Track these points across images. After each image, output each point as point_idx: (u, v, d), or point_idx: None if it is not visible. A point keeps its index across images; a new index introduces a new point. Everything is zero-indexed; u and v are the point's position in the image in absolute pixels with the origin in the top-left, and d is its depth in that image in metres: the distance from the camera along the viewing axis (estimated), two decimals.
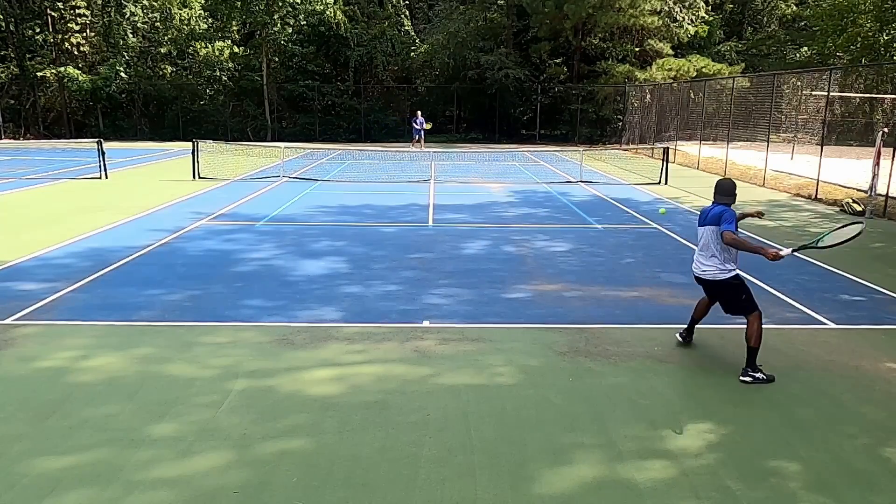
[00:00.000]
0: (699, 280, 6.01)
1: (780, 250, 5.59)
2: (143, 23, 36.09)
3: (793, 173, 19.28)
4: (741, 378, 5.56)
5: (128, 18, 35.30)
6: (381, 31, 37.69)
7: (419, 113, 30.67)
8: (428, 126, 30.01)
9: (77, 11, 35.05)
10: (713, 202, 5.92)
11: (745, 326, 5.65)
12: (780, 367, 5.80)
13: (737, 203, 6.03)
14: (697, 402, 5.19)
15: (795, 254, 5.67)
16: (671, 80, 31.35)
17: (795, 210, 14.61)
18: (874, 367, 5.89)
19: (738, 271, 5.83)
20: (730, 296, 5.80)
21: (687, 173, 21.72)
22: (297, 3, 35.75)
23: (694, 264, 6.02)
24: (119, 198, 15.27)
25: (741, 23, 45.23)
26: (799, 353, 6.19)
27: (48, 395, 5.16)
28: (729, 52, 38.59)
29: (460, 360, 5.92)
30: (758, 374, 5.57)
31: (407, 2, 42.66)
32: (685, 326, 6.41)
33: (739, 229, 5.86)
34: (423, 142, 29.95)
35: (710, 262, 5.80)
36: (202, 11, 36.96)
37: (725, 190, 5.89)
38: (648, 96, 31.27)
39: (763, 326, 5.62)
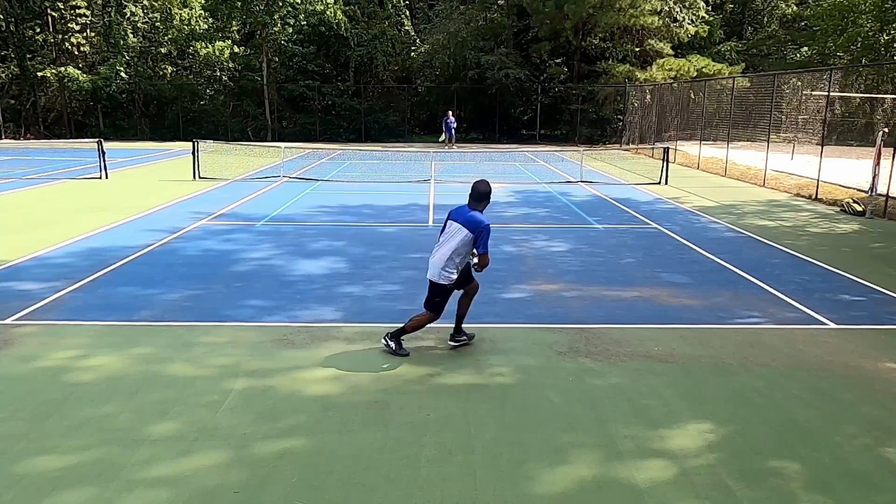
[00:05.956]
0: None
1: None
2: (143, 23, 36.08)
3: (793, 173, 19.27)
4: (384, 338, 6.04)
5: (128, 18, 35.31)
6: (381, 31, 37.70)
7: (450, 113, 30.85)
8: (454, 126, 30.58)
9: (77, 11, 35.07)
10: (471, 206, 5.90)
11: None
12: (780, 367, 5.81)
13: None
14: (697, 402, 5.18)
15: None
16: (671, 80, 31.35)
17: (795, 210, 14.59)
18: (874, 367, 5.88)
19: None
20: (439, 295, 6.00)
21: (687, 173, 21.71)
22: (297, 3, 35.74)
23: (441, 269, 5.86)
24: (119, 198, 15.27)
25: (741, 23, 45.23)
26: (799, 353, 6.18)
27: (48, 395, 5.15)
28: (729, 52, 38.56)
29: (460, 360, 5.92)
30: (392, 344, 5.97)
31: (407, 2, 42.69)
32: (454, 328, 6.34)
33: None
34: (453, 141, 30.29)
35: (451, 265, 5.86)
36: (202, 11, 36.96)
37: (481, 194, 5.90)
38: (648, 96, 31.26)
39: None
